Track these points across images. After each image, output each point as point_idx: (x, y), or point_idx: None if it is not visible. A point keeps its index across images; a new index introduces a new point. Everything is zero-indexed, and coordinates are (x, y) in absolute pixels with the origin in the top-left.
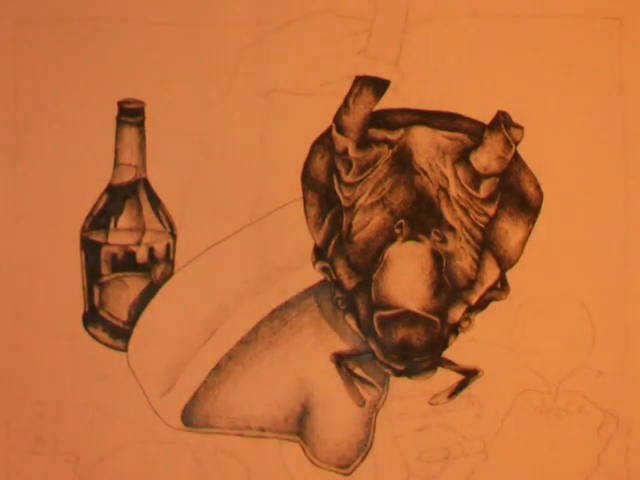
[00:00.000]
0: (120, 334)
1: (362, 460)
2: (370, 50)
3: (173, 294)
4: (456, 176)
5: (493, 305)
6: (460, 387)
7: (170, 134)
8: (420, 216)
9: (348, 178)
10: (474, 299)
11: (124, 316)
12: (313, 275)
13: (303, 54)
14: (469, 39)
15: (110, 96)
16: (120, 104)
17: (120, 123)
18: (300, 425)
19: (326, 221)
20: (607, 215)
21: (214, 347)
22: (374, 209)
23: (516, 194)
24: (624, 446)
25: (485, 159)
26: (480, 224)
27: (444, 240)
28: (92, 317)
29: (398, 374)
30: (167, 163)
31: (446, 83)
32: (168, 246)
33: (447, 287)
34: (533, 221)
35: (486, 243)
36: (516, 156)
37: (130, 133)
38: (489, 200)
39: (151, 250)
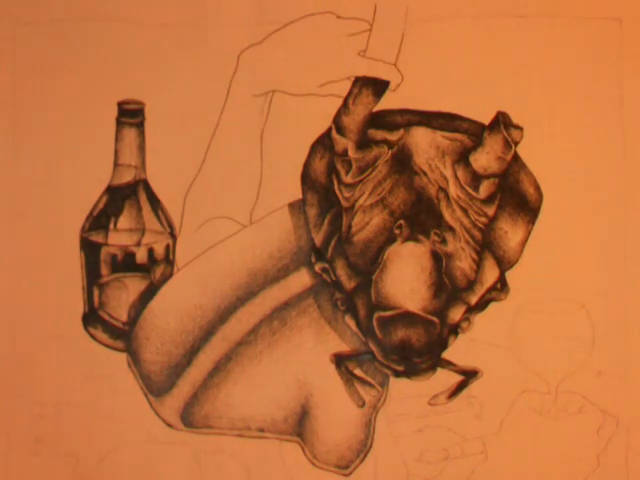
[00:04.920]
0: (120, 334)
1: (362, 461)
2: (370, 50)
3: (172, 295)
4: (456, 177)
5: (493, 306)
6: (460, 388)
7: (170, 134)
8: (420, 217)
9: (348, 179)
10: (474, 300)
11: (124, 317)
12: (312, 276)
13: (303, 54)
14: (469, 39)
15: (110, 96)
16: (120, 105)
17: (120, 124)
18: (300, 426)
19: (326, 222)
20: (607, 215)
21: (214, 348)
22: (374, 210)
23: (516, 195)
24: (624, 447)
25: (485, 160)
26: (480, 225)
27: (444, 241)
28: (92, 318)
29: (398, 375)
30: (167, 163)
31: (446, 83)
32: (168, 247)
33: (447, 288)
34: (532, 222)
35: (486, 244)
36: (515, 157)
37: (130, 134)
38: (489, 201)
39: (151, 251)
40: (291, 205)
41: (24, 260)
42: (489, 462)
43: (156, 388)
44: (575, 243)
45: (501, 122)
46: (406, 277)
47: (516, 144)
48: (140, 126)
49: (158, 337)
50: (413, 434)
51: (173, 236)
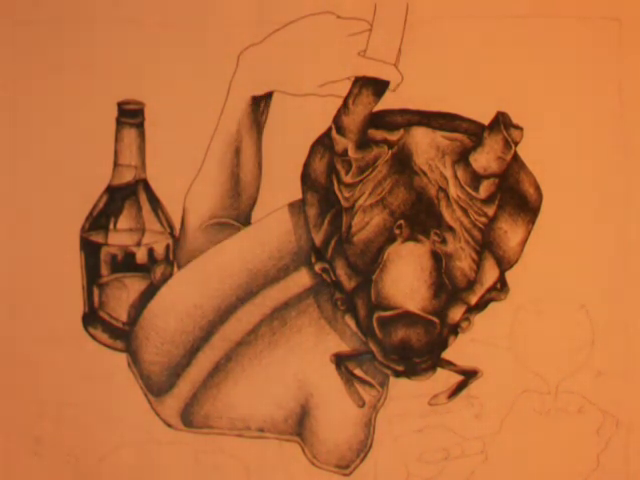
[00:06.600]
0: (119, 335)
1: (362, 461)
2: (370, 50)
3: (172, 295)
4: (455, 177)
5: (493, 306)
6: (460, 388)
7: (170, 134)
8: (420, 217)
9: (348, 179)
10: (474, 300)
11: (123, 317)
12: (312, 276)
13: (303, 54)
14: (469, 39)
15: (110, 96)
16: (120, 105)
17: (120, 124)
18: (300, 426)
19: (326, 222)
20: (607, 215)
21: (214, 348)
22: (374, 210)
23: (515, 195)
24: (624, 447)
25: (484, 160)
26: (480, 225)
27: (444, 241)
28: (92, 318)
29: (398, 375)
30: (167, 164)
31: (446, 83)
32: (168, 247)
33: (447, 288)
34: (532, 222)
35: (485, 244)
36: (515, 157)
37: (130, 134)
38: (489, 201)
39: (151, 251)
40: (291, 205)
41: (24, 260)
42: (489, 462)
43: (156, 388)
44: (575, 243)
45: (501, 122)
46: (406, 277)
47: (516, 144)
48: (140, 126)
49: (158, 337)
50: (413, 434)
51: (173, 236)
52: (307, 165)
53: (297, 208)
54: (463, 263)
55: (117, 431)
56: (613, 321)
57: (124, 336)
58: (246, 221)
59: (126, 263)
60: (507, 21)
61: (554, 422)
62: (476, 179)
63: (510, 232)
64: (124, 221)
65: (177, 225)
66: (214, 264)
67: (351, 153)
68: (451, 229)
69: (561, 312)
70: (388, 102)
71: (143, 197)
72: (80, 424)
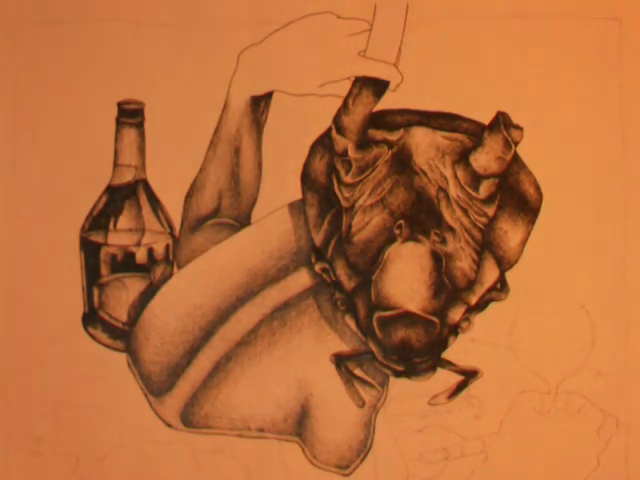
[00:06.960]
0: (119, 335)
1: (362, 461)
2: (370, 50)
3: (172, 295)
4: (456, 177)
5: (493, 306)
6: (460, 388)
7: (170, 134)
8: (420, 217)
9: (348, 179)
10: (474, 300)
11: (123, 317)
12: (312, 276)
13: (303, 54)
14: (469, 39)
15: (110, 96)
16: (120, 105)
17: (120, 124)
18: (300, 426)
19: (325, 222)
20: (607, 215)
21: (213, 348)
22: (374, 210)
23: (515, 195)
24: (624, 447)
25: (484, 160)
26: (480, 225)
27: (444, 241)
28: (92, 318)
29: (398, 375)
30: (167, 164)
31: (446, 83)
32: (167, 247)
33: (447, 288)
34: (533, 222)
35: (486, 244)
36: (515, 157)
37: (129, 134)
38: (489, 201)
39: (150, 251)
40: (291, 205)
41: (24, 260)
42: (489, 462)
43: (156, 388)
44: (575, 243)
45: (501, 122)
46: (406, 277)
47: (516, 144)
48: (140, 126)
49: (158, 337)
50: (413, 434)
51: (173, 236)
52: (307, 165)
53: (297, 208)
54: (463, 263)
55: (117, 431)
56: (613, 321)
57: (124, 336)
58: (246, 221)
59: (126, 263)
60: (507, 21)
61: (554, 422)
62: (476, 179)
63: (510, 232)
64: (124, 221)
65: (177, 225)
66: (214, 264)
67: (351, 153)
68: (451, 229)
69: (561, 312)
70: (388, 102)
71: (143, 197)
72: (80, 424)
